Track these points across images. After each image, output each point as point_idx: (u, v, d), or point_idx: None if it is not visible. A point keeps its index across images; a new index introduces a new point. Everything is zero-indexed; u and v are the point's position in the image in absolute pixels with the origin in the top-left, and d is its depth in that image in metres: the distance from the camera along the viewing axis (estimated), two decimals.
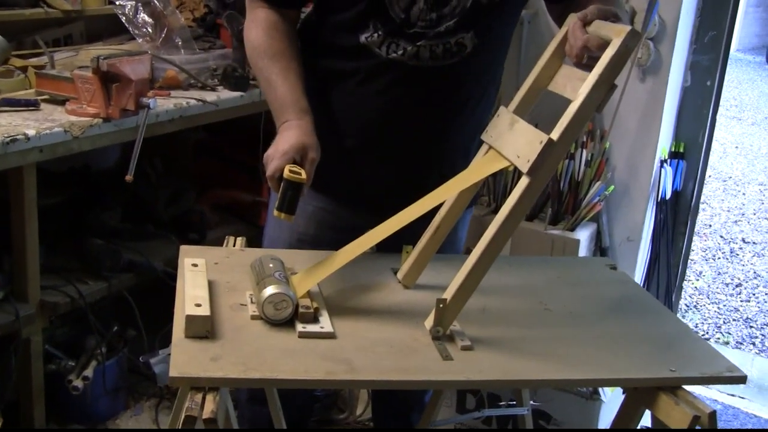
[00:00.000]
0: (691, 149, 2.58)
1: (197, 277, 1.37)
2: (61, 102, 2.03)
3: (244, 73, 2.34)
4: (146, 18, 2.36)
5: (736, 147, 7.27)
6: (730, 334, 3.85)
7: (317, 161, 1.47)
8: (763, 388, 3.16)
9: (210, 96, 2.27)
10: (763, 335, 3.85)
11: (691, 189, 2.60)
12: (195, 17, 2.61)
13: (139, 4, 2.35)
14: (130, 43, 2.47)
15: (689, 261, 3.17)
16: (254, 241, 1.73)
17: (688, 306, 4.08)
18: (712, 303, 4.19)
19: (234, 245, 1.61)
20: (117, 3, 2.36)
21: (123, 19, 2.35)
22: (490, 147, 1.42)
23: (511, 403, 1.90)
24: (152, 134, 2.10)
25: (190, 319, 1.21)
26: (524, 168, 1.26)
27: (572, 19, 1.38)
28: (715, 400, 2.93)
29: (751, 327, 3.93)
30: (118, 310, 2.39)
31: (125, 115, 1.98)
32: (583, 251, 2.47)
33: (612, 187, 2.51)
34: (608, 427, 1.57)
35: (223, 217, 2.80)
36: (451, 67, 1.56)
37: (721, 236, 5.15)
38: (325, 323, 1.30)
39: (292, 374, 1.17)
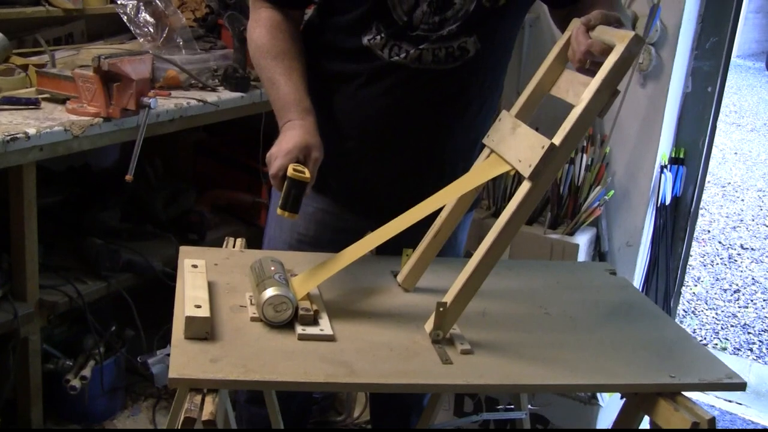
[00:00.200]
0: (692, 155, 2.58)
1: (197, 278, 1.37)
2: (62, 101, 2.03)
3: (245, 73, 2.34)
4: (147, 17, 2.36)
5: (735, 153, 7.27)
6: (727, 340, 3.85)
7: (320, 161, 1.47)
8: (760, 394, 3.16)
9: (210, 96, 2.27)
10: (760, 341, 3.85)
11: (690, 195, 2.60)
12: (196, 17, 2.61)
13: (141, 4, 2.35)
14: (131, 42, 2.47)
15: (687, 266, 3.17)
16: (254, 241, 1.73)
17: (686, 311, 4.08)
18: (710, 309, 4.19)
19: (234, 246, 1.61)
20: (118, 2, 2.36)
21: (124, 18, 2.35)
22: (492, 151, 1.42)
23: (509, 407, 1.90)
24: (152, 134, 2.10)
25: (190, 321, 1.21)
26: (526, 172, 1.26)
27: (575, 24, 1.37)
28: (713, 406, 2.93)
29: (748, 333, 3.93)
30: (117, 310, 2.39)
31: (126, 114, 1.98)
32: (582, 256, 2.46)
33: (612, 191, 2.51)
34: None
35: (222, 218, 2.79)
36: (454, 71, 1.56)
37: (720, 242, 5.15)
38: (324, 326, 1.29)
39: (291, 376, 1.16)
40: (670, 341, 1.42)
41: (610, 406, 2.39)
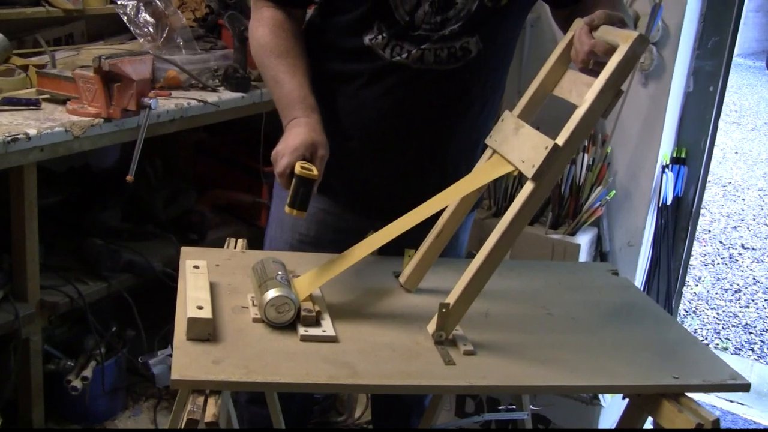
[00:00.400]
0: (693, 155, 2.57)
1: (199, 279, 1.36)
2: (62, 101, 2.02)
3: (245, 74, 2.34)
4: (147, 18, 2.36)
5: (736, 152, 7.27)
6: (729, 340, 3.84)
7: (327, 158, 1.46)
8: (762, 395, 3.15)
9: (211, 97, 2.26)
10: (762, 341, 3.85)
11: (692, 195, 2.60)
12: (196, 17, 2.61)
13: (141, 4, 2.34)
14: (131, 42, 2.46)
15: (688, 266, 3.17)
16: (254, 242, 1.73)
17: (687, 311, 4.08)
18: (711, 308, 4.18)
19: (235, 247, 1.60)
20: (118, 2, 2.35)
21: (124, 18, 2.34)
22: (494, 151, 1.42)
23: (511, 407, 1.90)
24: (153, 134, 2.10)
25: (192, 322, 1.21)
26: (529, 173, 1.26)
27: (579, 24, 1.37)
28: (714, 406, 2.93)
29: (750, 333, 3.93)
30: (118, 311, 2.38)
31: (126, 115, 1.97)
32: (583, 256, 2.46)
33: (613, 191, 2.51)
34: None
35: (223, 218, 2.79)
36: (456, 72, 1.56)
37: (721, 242, 5.15)
38: (327, 327, 1.29)
39: (294, 378, 1.16)
40: (673, 342, 1.42)
41: (611, 407, 2.39)
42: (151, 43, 2.34)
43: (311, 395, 2.16)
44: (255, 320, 1.29)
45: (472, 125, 1.64)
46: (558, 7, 1.67)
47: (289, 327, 1.28)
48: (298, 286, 1.34)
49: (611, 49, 1.26)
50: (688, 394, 1.26)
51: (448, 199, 1.41)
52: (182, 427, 1.09)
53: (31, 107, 1.99)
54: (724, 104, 2.57)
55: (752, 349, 3.77)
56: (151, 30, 2.35)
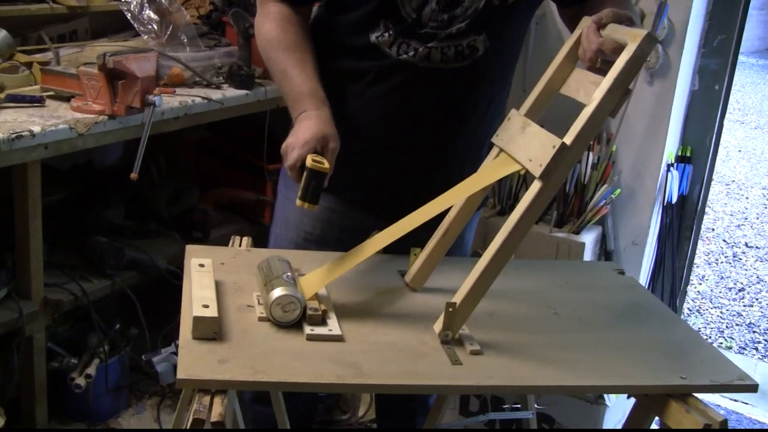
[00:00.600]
0: (698, 153, 2.57)
1: (204, 277, 1.36)
2: (67, 98, 2.02)
3: (250, 71, 2.33)
4: (151, 15, 2.35)
5: (740, 150, 7.25)
6: (732, 338, 3.84)
7: (338, 151, 1.45)
8: (766, 394, 3.14)
9: (215, 94, 2.26)
10: (766, 340, 3.84)
11: (697, 193, 2.60)
12: (200, 14, 2.60)
13: (145, 1, 2.34)
14: (135, 39, 2.46)
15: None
16: (258, 240, 1.72)
17: (690, 310, 4.07)
18: (715, 307, 4.17)
19: (240, 245, 1.59)
20: None
21: (128, 15, 2.34)
22: (501, 150, 1.41)
23: (516, 406, 1.89)
24: (157, 132, 2.09)
25: (198, 321, 1.20)
26: (537, 172, 1.25)
27: (586, 22, 1.36)
28: (719, 405, 2.92)
29: (754, 332, 3.92)
30: (121, 308, 2.38)
31: (131, 112, 1.97)
32: (588, 254, 2.46)
33: (618, 190, 2.50)
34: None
35: (226, 216, 2.78)
36: (463, 70, 1.55)
37: (724, 240, 5.14)
38: (333, 326, 1.28)
39: (300, 377, 1.15)
40: (680, 342, 1.41)
41: (616, 406, 2.39)
42: (155, 40, 2.33)
43: (316, 394, 2.16)
44: (261, 319, 1.29)
45: (478, 124, 1.64)
46: (565, 6, 1.66)
47: (295, 326, 1.27)
48: (304, 285, 1.34)
49: (619, 48, 1.26)
50: (696, 395, 1.26)
51: (455, 197, 1.40)
52: (188, 427, 1.08)
53: (35, 104, 1.98)
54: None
55: (756, 348, 3.76)
56: (155, 27, 2.34)
